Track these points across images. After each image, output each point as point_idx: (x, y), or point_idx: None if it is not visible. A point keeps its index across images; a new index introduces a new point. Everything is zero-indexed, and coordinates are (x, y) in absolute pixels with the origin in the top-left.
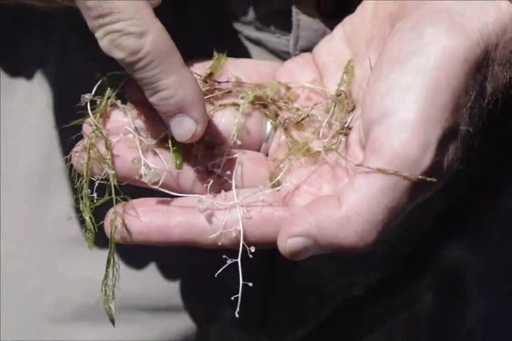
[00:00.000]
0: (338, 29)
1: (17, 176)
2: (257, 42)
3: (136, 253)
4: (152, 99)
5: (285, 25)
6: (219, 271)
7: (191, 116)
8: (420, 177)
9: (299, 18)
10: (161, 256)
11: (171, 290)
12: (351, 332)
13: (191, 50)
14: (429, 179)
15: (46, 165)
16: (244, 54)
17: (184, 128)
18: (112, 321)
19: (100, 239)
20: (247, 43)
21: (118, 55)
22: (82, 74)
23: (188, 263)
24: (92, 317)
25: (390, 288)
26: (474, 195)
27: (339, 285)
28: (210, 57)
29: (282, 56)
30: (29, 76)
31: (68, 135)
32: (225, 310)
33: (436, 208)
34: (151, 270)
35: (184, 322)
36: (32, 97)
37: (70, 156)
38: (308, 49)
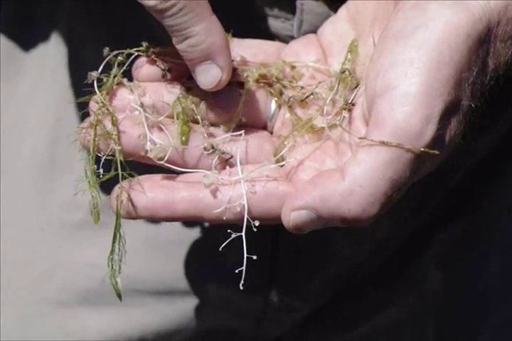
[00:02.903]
0: (342, 10)
1: (22, 161)
2: (261, 28)
3: (139, 238)
4: (180, 46)
5: (289, 8)
6: (223, 245)
7: (217, 63)
8: (423, 149)
9: (303, 2)
10: (164, 240)
11: (174, 274)
12: (354, 315)
13: None
14: (431, 151)
15: (51, 151)
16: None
17: (210, 75)
18: (119, 296)
19: (103, 225)
20: (250, 28)
21: (150, 2)
22: (89, 54)
23: (191, 247)
24: (96, 301)
25: (394, 269)
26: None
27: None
28: None
29: (286, 41)
30: (37, 59)
31: (75, 120)
32: (228, 290)
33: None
34: (154, 254)
35: (187, 306)
36: (38, 83)
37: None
38: (312, 33)
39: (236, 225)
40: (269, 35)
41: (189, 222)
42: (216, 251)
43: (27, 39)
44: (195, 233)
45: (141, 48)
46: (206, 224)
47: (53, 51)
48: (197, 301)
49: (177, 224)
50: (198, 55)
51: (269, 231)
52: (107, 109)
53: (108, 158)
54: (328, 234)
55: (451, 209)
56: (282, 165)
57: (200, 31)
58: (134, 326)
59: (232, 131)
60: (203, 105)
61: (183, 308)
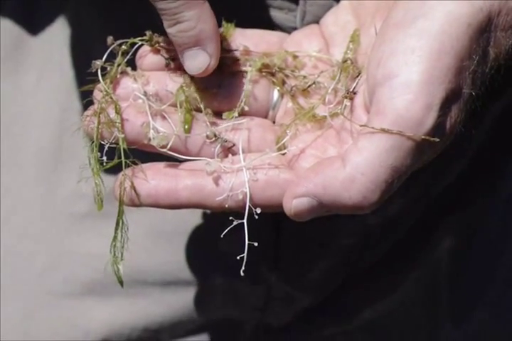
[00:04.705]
0: (345, 1)
1: (28, 154)
2: (264, 19)
3: (143, 229)
4: (170, 30)
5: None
6: (224, 232)
7: (206, 50)
8: (423, 137)
9: None
10: (168, 231)
11: (178, 264)
12: (362, 299)
13: None
14: (432, 139)
15: (57, 143)
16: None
17: (198, 61)
18: (121, 283)
19: (108, 215)
20: (253, 19)
21: None
22: (94, 45)
23: (194, 237)
24: (101, 291)
25: (401, 253)
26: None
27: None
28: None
29: (289, 32)
30: (42, 50)
31: (80, 111)
32: (231, 280)
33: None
34: (158, 245)
35: (191, 296)
36: (44, 74)
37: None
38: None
39: (238, 213)
40: (271, 26)
41: (192, 211)
42: (217, 240)
43: (32, 30)
44: (198, 223)
45: (144, 37)
46: (209, 214)
47: (59, 42)
48: (201, 291)
49: (180, 215)
50: (188, 41)
51: (272, 220)
52: (111, 98)
53: (111, 145)
54: (331, 223)
55: (463, 192)
56: (284, 154)
57: (191, 17)
58: (138, 316)
59: (235, 120)
60: (206, 94)
61: (187, 298)
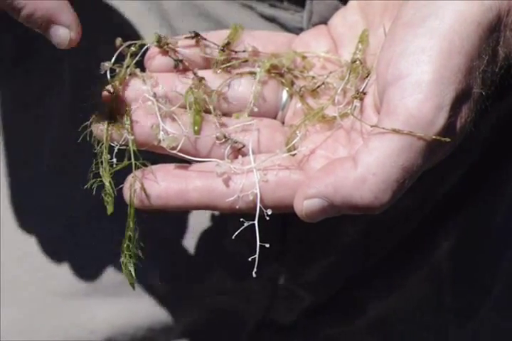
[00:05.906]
0: (353, 1)
1: (36, 153)
2: (271, 20)
3: (152, 230)
4: (20, 20)
5: (298, 1)
6: (237, 233)
7: (62, 24)
8: (434, 137)
9: None
10: (173, 230)
11: (182, 263)
12: (365, 299)
13: (205, 27)
14: (443, 139)
15: (65, 143)
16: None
17: (59, 37)
18: (132, 285)
19: (114, 218)
20: (261, 20)
21: None
22: (100, 45)
23: (199, 236)
24: (106, 291)
25: (403, 252)
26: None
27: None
28: (227, 28)
29: (296, 32)
30: (47, 49)
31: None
32: (236, 280)
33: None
34: (164, 243)
35: (196, 295)
36: (49, 74)
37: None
38: (322, 24)
39: (248, 214)
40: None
41: (198, 211)
42: (224, 240)
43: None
44: (204, 222)
45: (153, 39)
46: (215, 214)
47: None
48: (206, 290)
49: (186, 214)
50: (39, 23)
51: (280, 219)
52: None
53: (121, 147)
54: (336, 223)
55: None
56: (294, 154)
57: (26, 2)
58: (143, 316)
59: (244, 121)
60: (215, 95)
61: (191, 297)
